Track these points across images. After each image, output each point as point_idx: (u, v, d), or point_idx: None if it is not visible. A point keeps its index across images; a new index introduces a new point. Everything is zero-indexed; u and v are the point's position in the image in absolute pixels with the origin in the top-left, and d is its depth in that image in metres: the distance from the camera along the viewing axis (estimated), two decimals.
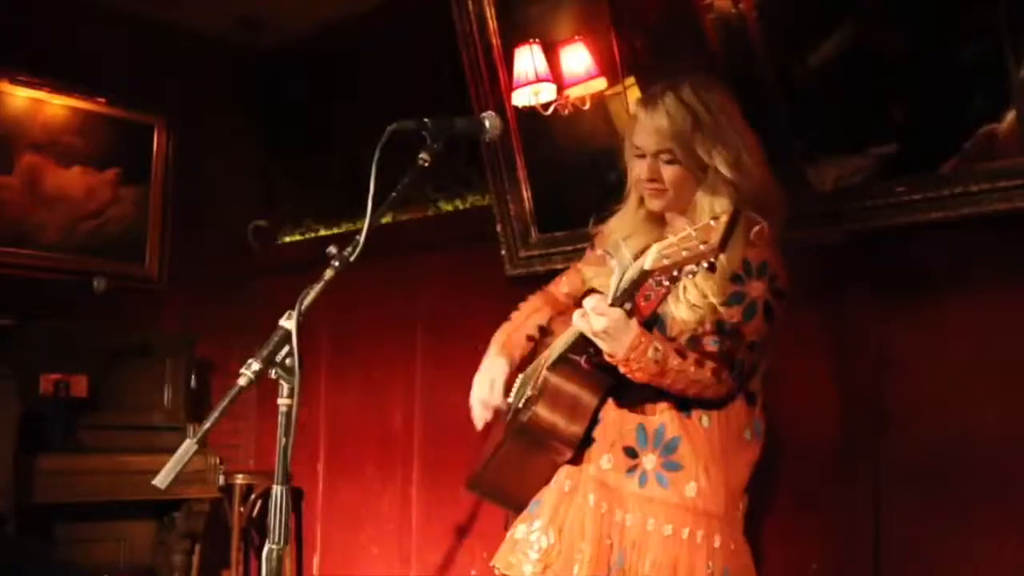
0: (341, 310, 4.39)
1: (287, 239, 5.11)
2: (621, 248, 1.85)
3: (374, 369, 4.42)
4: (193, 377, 4.45)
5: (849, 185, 2.85)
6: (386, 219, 1.72)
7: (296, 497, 4.69)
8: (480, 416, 2.21)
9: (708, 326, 1.94)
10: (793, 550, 2.96)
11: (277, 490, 1.52)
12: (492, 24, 3.66)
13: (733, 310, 1.93)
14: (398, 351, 4.33)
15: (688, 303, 1.93)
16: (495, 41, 3.66)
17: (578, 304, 2.01)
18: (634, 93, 3.32)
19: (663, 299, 1.96)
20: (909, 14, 2.69)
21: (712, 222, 1.61)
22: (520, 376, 2.25)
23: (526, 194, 3.69)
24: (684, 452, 1.95)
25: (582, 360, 1.97)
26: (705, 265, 1.64)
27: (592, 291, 2.10)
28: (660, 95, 2.03)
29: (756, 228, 1.92)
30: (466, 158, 3.93)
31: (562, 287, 2.34)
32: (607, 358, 1.85)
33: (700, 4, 3.05)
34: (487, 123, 1.97)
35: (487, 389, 2.18)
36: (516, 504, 2.10)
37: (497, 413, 2.22)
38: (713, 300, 1.91)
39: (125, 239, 4.71)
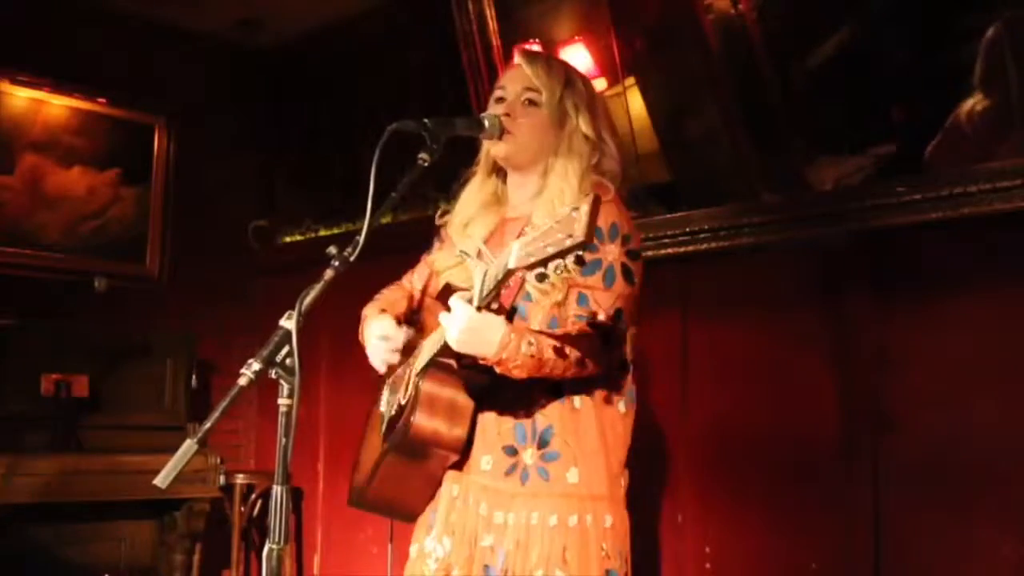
0: (341, 310, 4.37)
1: (287, 239, 5.11)
2: (481, 248, 1.82)
3: (374, 369, 4.42)
4: (193, 377, 4.45)
5: (849, 185, 2.85)
6: (386, 219, 1.72)
7: (296, 497, 4.69)
8: (389, 356, 2.06)
9: (569, 301, 1.88)
10: (793, 550, 2.96)
11: (277, 490, 1.52)
12: (492, 24, 3.66)
13: (592, 279, 1.87)
14: None
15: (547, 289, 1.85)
16: (495, 41, 3.66)
17: (441, 299, 1.99)
18: (634, 93, 3.32)
19: (521, 287, 1.89)
20: (908, 14, 2.69)
21: (573, 213, 1.53)
22: (386, 384, 2.19)
23: None
24: (557, 440, 1.91)
25: (454, 362, 1.89)
26: (572, 259, 1.55)
27: (448, 287, 2.02)
28: (543, 54, 2.10)
29: (601, 188, 1.89)
30: (466, 158, 3.93)
31: (416, 283, 2.26)
32: (482, 362, 1.79)
33: (700, 4, 3.05)
34: (487, 123, 1.97)
35: (387, 327, 2.04)
36: (406, 513, 2.07)
37: (373, 417, 2.16)
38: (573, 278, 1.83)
39: (126, 239, 4.71)
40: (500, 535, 1.91)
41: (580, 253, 1.54)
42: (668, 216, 3.24)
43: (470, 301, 1.75)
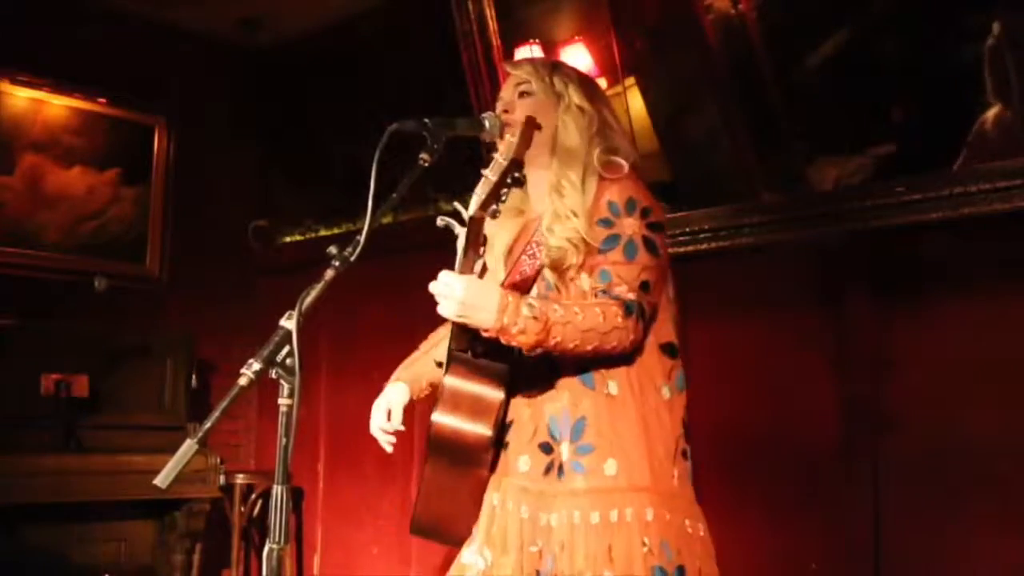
0: (341, 310, 4.39)
1: (287, 239, 5.11)
2: (462, 211, 1.78)
3: (374, 369, 4.40)
4: (193, 377, 4.45)
5: (849, 185, 2.85)
6: (386, 219, 1.72)
7: (296, 497, 4.69)
8: (385, 443, 2.10)
9: (592, 278, 1.84)
10: (793, 550, 2.96)
11: (277, 490, 1.52)
12: (492, 24, 3.66)
13: (612, 254, 1.82)
14: (398, 351, 4.32)
15: (556, 233, 1.85)
16: (495, 41, 3.66)
17: None
18: (634, 93, 3.32)
19: (537, 274, 1.87)
20: (909, 15, 2.69)
21: (510, 137, 1.56)
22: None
23: None
24: (591, 431, 1.84)
25: (469, 354, 1.83)
26: (509, 181, 1.56)
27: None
28: (528, 57, 2.14)
29: (612, 166, 1.88)
30: (466, 158, 3.93)
31: None
32: (484, 333, 1.72)
33: (700, 4, 3.05)
34: (487, 123, 1.96)
35: (383, 416, 2.08)
36: (458, 536, 1.99)
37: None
38: (576, 225, 1.83)
39: (126, 239, 4.71)
40: (547, 538, 1.84)
41: (516, 174, 1.59)
42: (668, 216, 3.23)
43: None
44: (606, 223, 1.84)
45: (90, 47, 4.56)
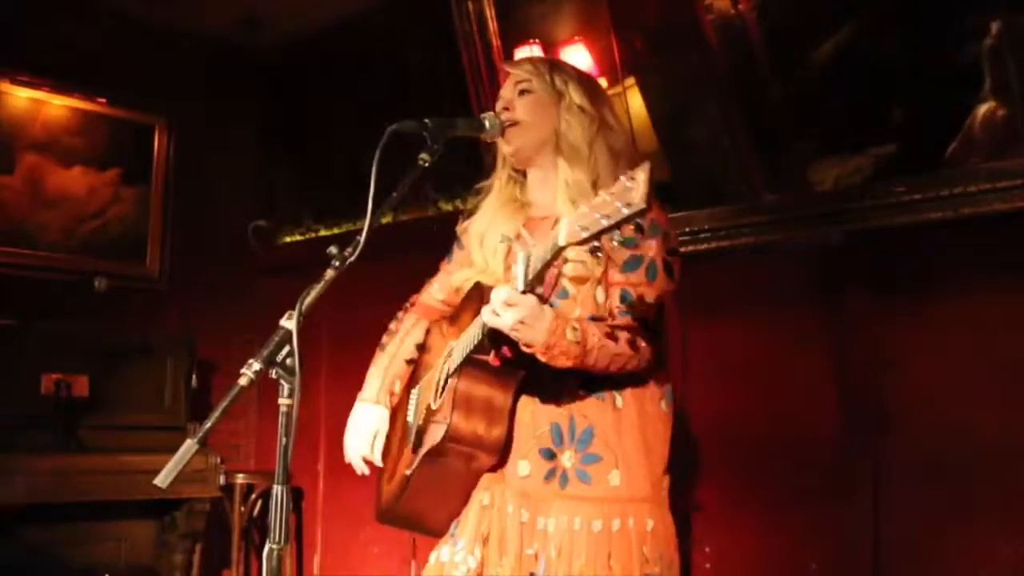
0: (341, 310, 4.39)
1: (287, 239, 5.11)
2: (521, 231, 1.85)
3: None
4: (193, 377, 4.45)
5: (849, 185, 2.85)
6: (386, 219, 1.72)
7: (296, 497, 4.69)
8: (360, 470, 2.13)
9: (612, 298, 1.88)
10: (793, 550, 2.96)
11: (277, 490, 1.52)
12: (492, 24, 3.66)
13: (635, 275, 1.86)
14: None
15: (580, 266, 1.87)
16: (495, 41, 3.66)
17: (470, 299, 2.00)
18: (634, 93, 3.32)
19: (557, 280, 1.90)
20: (909, 14, 2.69)
21: (628, 182, 1.47)
22: (414, 390, 2.15)
23: None
24: (599, 442, 1.87)
25: (489, 358, 1.85)
26: (633, 227, 1.52)
27: (478, 285, 2.02)
28: (527, 56, 2.17)
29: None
30: (466, 158, 3.93)
31: (435, 293, 2.24)
32: (525, 349, 1.74)
33: (700, 4, 3.05)
34: (487, 123, 1.97)
35: (368, 445, 2.11)
36: (437, 527, 2.02)
37: (398, 429, 2.14)
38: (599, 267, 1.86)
39: (126, 239, 4.71)
40: (543, 542, 1.87)
41: (641, 221, 1.51)
42: (668, 216, 3.23)
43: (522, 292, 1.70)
44: (629, 243, 1.85)
45: (90, 47, 4.56)
